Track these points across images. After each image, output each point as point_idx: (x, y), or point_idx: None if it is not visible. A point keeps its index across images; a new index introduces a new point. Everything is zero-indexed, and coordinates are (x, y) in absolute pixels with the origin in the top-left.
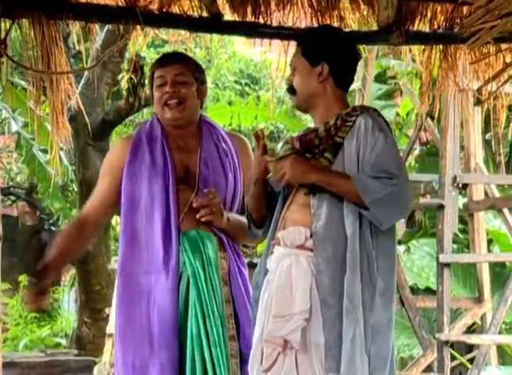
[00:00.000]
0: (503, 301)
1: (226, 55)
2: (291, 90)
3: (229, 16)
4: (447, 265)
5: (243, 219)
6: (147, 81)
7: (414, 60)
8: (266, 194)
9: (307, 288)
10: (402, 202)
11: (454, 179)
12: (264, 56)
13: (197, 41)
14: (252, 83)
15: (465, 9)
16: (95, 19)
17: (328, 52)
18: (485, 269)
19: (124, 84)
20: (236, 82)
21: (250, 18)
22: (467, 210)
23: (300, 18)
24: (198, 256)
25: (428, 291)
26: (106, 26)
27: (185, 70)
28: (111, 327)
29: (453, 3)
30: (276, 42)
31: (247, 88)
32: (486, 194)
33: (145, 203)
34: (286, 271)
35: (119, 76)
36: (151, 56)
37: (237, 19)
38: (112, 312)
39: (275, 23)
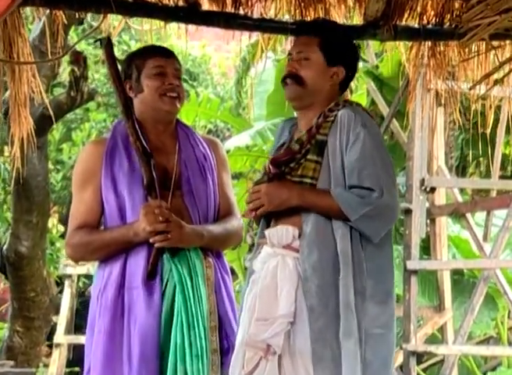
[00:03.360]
0: (470, 311)
1: None
2: (296, 78)
3: (206, 5)
4: (414, 272)
5: (221, 228)
6: (89, 73)
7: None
8: None
9: (293, 290)
10: (388, 213)
11: (422, 182)
12: (202, 50)
13: (132, 33)
14: (190, 79)
15: (457, 4)
16: (63, 7)
17: (347, 56)
18: (447, 276)
19: (65, 77)
20: None
21: (229, 9)
22: (428, 215)
23: (283, 10)
24: (185, 264)
25: None
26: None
27: (179, 66)
28: (59, 337)
29: None
30: (213, 36)
31: (185, 84)
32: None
33: (129, 214)
34: (272, 272)
35: (60, 69)
36: (80, 47)
37: (216, 9)
38: (62, 321)
39: (256, 15)
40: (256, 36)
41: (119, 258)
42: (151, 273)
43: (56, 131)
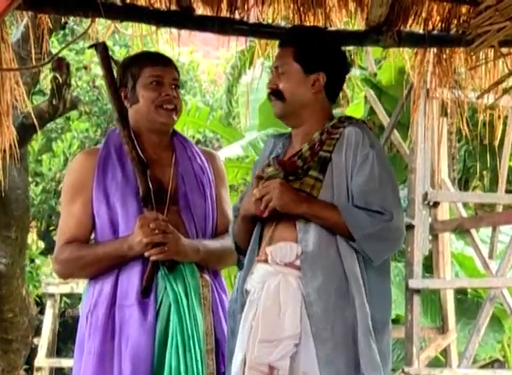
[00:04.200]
0: (476, 332)
1: None
2: (277, 95)
3: (200, 10)
4: (417, 291)
5: (218, 243)
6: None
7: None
8: (253, 227)
9: (298, 311)
10: (394, 237)
11: (425, 196)
12: (190, 57)
13: (116, 39)
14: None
15: (464, 9)
16: (49, 10)
17: (327, 61)
18: (450, 296)
19: (47, 84)
20: None
21: (224, 13)
22: (431, 230)
23: (281, 14)
24: (181, 281)
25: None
26: (24, 19)
27: (177, 75)
28: (40, 360)
29: (451, 2)
30: (201, 42)
31: None
32: None
33: (122, 228)
34: (274, 291)
35: (41, 76)
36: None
37: (210, 13)
38: (44, 343)
39: (252, 20)
40: (250, 41)
41: (110, 274)
42: (146, 290)
43: (35, 141)
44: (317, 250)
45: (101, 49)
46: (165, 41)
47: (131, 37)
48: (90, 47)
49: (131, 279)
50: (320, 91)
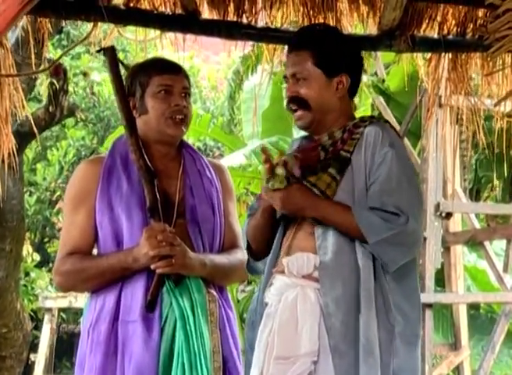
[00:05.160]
0: (490, 349)
1: None
2: (301, 103)
3: (207, 13)
4: (429, 306)
5: (225, 259)
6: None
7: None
8: (272, 223)
9: (316, 326)
10: (410, 242)
11: (437, 207)
12: (190, 62)
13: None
14: None
15: (481, 13)
16: (50, 14)
17: (348, 61)
18: (463, 311)
19: (43, 91)
20: None
21: (232, 17)
22: (443, 243)
23: (290, 18)
24: (187, 297)
25: None
26: (20, 24)
27: (187, 83)
28: None
29: (468, 6)
30: (200, 46)
31: None
32: None
33: (126, 240)
34: (291, 305)
35: (38, 81)
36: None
37: (217, 17)
38: (41, 359)
39: (260, 24)
40: (253, 46)
41: (113, 288)
42: (151, 305)
43: (30, 150)
44: (335, 259)
45: (110, 53)
46: (164, 46)
47: (129, 42)
48: (99, 51)
49: (135, 293)
50: (344, 94)
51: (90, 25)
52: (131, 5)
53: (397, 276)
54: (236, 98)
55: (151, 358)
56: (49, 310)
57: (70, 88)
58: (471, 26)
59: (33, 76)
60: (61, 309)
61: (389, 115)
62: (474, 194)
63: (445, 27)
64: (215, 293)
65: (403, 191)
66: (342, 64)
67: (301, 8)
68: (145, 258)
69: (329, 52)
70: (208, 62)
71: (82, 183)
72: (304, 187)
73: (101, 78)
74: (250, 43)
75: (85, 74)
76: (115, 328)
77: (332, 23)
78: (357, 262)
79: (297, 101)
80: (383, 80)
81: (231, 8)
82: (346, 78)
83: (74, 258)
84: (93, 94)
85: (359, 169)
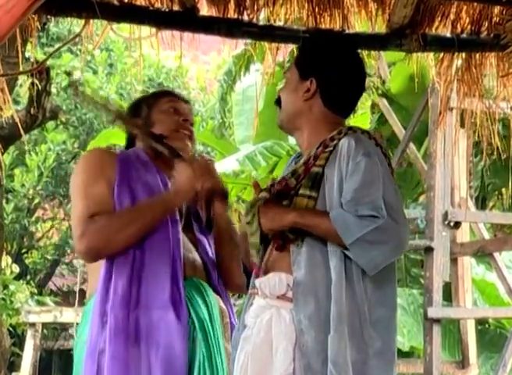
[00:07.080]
0: (502, 367)
1: (133, 60)
2: (278, 102)
3: (205, 10)
4: (437, 321)
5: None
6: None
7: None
8: None
9: (290, 348)
10: (390, 240)
11: (445, 216)
12: (178, 62)
13: (94, 41)
14: None
15: (496, 10)
16: (40, 10)
17: (318, 65)
18: (471, 327)
19: (24, 91)
20: (144, 92)
21: (232, 14)
22: (450, 254)
23: (294, 16)
24: (204, 305)
25: (400, 352)
26: None
27: (193, 115)
28: None
29: (483, 3)
30: (188, 44)
31: None
32: None
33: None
34: (266, 326)
35: (18, 82)
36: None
37: (216, 14)
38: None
39: (262, 22)
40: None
41: (128, 275)
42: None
43: (7, 154)
44: (309, 274)
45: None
46: (150, 44)
47: (112, 41)
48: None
49: (159, 281)
50: (312, 97)
51: (71, 22)
52: (125, 0)
53: (375, 291)
54: (227, 100)
55: (181, 344)
56: (32, 325)
57: (53, 89)
58: (486, 24)
59: (15, 77)
60: (44, 325)
61: (393, 118)
62: (480, 202)
63: (458, 25)
64: (224, 305)
65: (377, 193)
66: (311, 67)
67: (306, 5)
68: (189, 183)
69: (304, 54)
70: (196, 61)
71: (102, 161)
72: (277, 199)
73: (84, 78)
74: (244, 41)
75: (69, 74)
76: (136, 316)
77: (338, 20)
78: (331, 277)
79: (278, 100)
80: (384, 82)
81: (231, 4)
82: (312, 83)
83: (99, 217)
84: (76, 94)
85: (332, 181)
